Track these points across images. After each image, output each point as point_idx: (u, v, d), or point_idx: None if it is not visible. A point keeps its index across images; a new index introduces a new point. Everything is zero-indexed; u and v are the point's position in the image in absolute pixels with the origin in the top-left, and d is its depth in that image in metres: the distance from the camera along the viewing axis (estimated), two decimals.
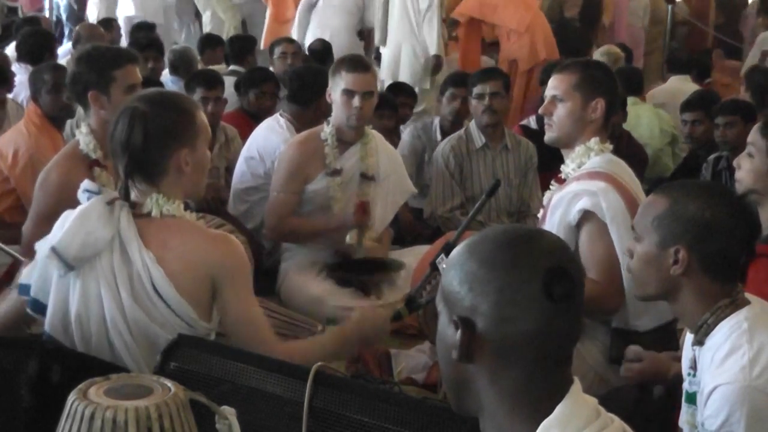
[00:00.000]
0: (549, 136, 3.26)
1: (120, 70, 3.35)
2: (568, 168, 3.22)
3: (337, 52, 7.35)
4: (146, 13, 9.27)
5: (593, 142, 3.17)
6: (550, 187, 3.30)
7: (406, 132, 5.70)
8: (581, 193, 3.09)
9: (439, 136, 5.58)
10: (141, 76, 3.49)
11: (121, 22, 9.07)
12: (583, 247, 3.09)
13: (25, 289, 2.57)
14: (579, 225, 3.09)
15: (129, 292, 2.42)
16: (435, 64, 7.15)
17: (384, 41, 7.27)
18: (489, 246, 1.43)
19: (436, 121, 5.71)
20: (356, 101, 4.13)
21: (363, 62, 4.23)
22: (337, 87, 4.16)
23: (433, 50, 7.06)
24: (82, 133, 3.40)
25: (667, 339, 3.05)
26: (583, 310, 1.44)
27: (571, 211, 3.09)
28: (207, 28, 9.28)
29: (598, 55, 7.35)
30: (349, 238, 4.26)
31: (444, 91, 5.66)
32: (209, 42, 7.95)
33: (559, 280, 1.38)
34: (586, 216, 3.07)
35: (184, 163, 2.50)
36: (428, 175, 5.36)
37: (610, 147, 3.24)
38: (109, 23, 8.50)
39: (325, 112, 4.68)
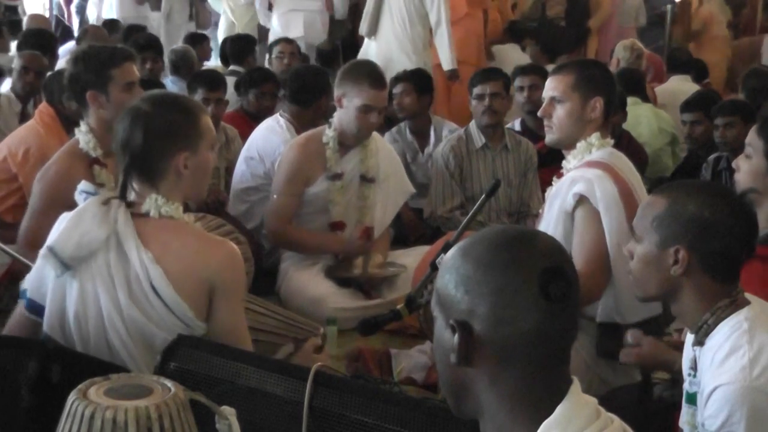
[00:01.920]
0: (550, 137, 3.26)
1: (117, 68, 3.35)
2: (569, 164, 3.22)
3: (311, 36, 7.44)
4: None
5: (594, 137, 3.18)
6: (552, 183, 3.30)
7: (384, 137, 5.69)
8: (577, 178, 3.11)
9: (409, 136, 5.70)
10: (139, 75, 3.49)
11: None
12: (575, 232, 3.11)
13: (24, 293, 2.57)
14: (573, 211, 3.11)
15: (126, 291, 2.42)
16: (450, 78, 7.00)
17: (372, 33, 7.03)
18: (484, 248, 1.43)
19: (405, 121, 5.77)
20: (374, 117, 4.15)
21: (383, 78, 4.23)
22: (353, 98, 4.13)
23: (447, 65, 6.93)
24: (81, 132, 3.40)
25: (654, 332, 3.04)
26: (578, 309, 1.44)
27: (567, 197, 3.11)
28: (222, 28, 9.21)
29: (620, 48, 7.32)
30: (355, 267, 4.29)
31: None
32: (194, 39, 7.95)
33: (556, 280, 1.38)
34: (580, 201, 3.09)
35: (182, 167, 2.49)
36: (417, 176, 5.43)
37: (611, 142, 3.25)
38: (114, 24, 8.46)
39: (325, 112, 4.67)
